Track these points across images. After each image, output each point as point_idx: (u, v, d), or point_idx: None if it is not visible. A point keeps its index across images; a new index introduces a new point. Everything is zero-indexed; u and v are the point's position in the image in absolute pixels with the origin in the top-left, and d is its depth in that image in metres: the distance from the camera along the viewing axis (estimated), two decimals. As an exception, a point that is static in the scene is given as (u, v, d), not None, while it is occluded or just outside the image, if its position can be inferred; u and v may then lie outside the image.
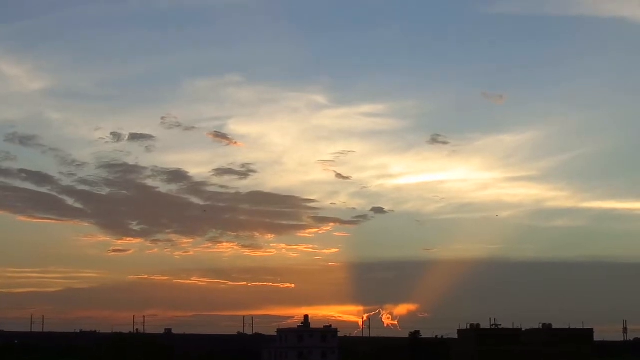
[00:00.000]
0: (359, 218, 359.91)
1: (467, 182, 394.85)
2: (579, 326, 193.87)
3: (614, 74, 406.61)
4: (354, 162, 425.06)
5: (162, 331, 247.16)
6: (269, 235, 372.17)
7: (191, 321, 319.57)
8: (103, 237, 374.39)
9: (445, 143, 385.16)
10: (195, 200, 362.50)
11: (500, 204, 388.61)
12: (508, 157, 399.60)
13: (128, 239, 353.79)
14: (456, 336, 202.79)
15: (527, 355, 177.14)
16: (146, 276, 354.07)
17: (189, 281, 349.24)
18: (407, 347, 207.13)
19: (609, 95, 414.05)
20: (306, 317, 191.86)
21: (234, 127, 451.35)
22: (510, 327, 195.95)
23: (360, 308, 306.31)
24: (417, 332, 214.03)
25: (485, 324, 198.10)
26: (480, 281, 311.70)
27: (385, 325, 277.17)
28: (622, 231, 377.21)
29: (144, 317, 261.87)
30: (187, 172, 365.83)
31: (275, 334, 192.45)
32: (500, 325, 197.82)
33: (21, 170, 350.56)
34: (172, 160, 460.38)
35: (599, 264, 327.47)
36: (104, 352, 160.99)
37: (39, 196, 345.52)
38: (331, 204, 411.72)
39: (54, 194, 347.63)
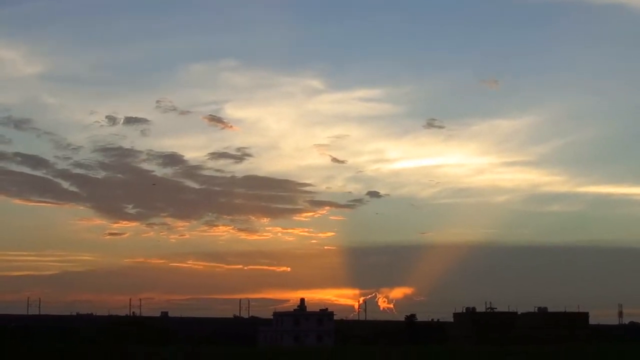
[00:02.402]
0: (355, 202, 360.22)
1: (463, 166, 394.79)
2: (575, 310, 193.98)
3: (612, 60, 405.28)
4: (350, 147, 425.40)
5: (158, 314, 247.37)
6: (265, 218, 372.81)
7: (187, 304, 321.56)
8: (99, 221, 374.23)
9: (441, 128, 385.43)
10: (190, 183, 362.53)
11: (496, 189, 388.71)
12: (504, 142, 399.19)
13: (124, 222, 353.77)
14: (452, 320, 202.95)
15: (523, 339, 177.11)
16: (142, 259, 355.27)
17: (184, 264, 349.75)
18: (403, 330, 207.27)
19: (605, 81, 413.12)
20: (302, 300, 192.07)
21: (230, 111, 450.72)
22: (506, 310, 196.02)
23: (357, 291, 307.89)
24: (413, 316, 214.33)
25: (480, 308, 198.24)
26: (476, 265, 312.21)
27: (382, 308, 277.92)
28: (618, 216, 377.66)
29: (140, 300, 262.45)
30: (183, 156, 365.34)
31: (271, 317, 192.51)
32: (496, 309, 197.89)
33: (16, 154, 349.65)
34: (167, 144, 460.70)
35: (594, 249, 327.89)
36: (105, 337, 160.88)
37: (35, 179, 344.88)
38: (327, 188, 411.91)
39: (50, 177, 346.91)
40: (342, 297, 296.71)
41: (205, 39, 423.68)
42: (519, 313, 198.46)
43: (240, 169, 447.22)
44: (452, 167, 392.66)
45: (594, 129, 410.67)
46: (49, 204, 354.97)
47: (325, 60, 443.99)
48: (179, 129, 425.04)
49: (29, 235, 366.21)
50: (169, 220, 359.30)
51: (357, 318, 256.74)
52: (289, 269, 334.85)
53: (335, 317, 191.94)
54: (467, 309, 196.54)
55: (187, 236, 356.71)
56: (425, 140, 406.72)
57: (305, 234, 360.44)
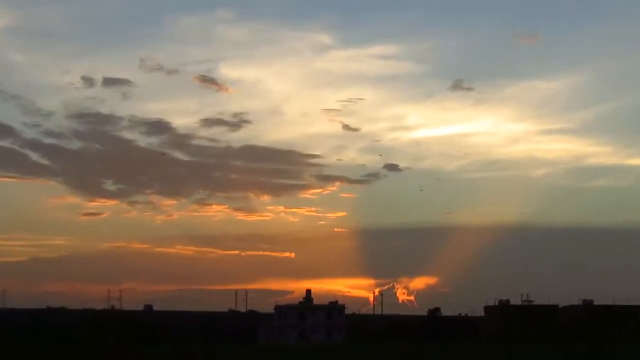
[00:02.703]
0: (369, 176, 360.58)
1: (494, 135, 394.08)
2: (625, 303, 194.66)
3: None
4: (364, 112, 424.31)
5: (141, 307, 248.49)
6: (265, 196, 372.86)
7: (175, 296, 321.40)
8: (73, 199, 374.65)
9: (469, 90, 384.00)
10: (179, 155, 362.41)
11: (533, 161, 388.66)
12: (542, 106, 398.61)
13: (102, 200, 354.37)
14: (482, 314, 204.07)
15: (565, 336, 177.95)
16: (123, 244, 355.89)
17: (172, 250, 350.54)
18: (425, 326, 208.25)
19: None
20: (308, 291, 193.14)
21: (225, 71, 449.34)
22: (545, 303, 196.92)
23: (371, 281, 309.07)
24: (436, 309, 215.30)
25: (515, 300, 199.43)
26: (510, 250, 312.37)
27: (400, 301, 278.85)
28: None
29: (121, 291, 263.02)
30: (170, 123, 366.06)
31: (273, 311, 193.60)
32: (534, 301, 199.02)
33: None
34: (152, 109, 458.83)
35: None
36: (80, 335, 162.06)
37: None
38: (337, 160, 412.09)
39: (16, 148, 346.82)
40: (355, 288, 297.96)
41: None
42: (561, 306, 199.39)
43: (237, 138, 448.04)
44: (482, 136, 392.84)
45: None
46: (15, 179, 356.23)
47: (336, 11, 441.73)
48: (166, 91, 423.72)
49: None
50: (154, 198, 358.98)
51: (371, 312, 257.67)
52: (293, 255, 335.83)
53: (346, 311, 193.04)
54: (500, 301, 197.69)
55: (175, 217, 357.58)
56: (451, 105, 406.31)
57: (312, 214, 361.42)
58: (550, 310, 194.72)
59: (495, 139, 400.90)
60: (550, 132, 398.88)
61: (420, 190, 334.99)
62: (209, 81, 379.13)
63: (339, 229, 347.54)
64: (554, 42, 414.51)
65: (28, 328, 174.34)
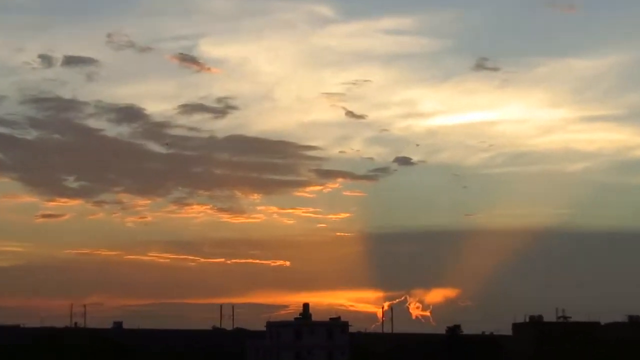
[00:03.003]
0: (377, 172, 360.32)
1: (525, 123, 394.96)
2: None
3: None
4: (372, 96, 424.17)
5: (109, 325, 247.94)
6: (255, 195, 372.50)
7: (149, 312, 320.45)
8: (29, 198, 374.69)
9: (495, 70, 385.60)
10: (154, 147, 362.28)
11: (570, 154, 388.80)
12: (582, 89, 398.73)
13: (63, 199, 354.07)
14: (510, 332, 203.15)
15: (607, 356, 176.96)
16: (88, 251, 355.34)
17: (145, 257, 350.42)
18: (443, 346, 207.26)
19: None
20: (306, 306, 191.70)
21: (207, 49, 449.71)
22: (585, 320, 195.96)
23: (380, 294, 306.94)
24: (456, 327, 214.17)
25: (549, 317, 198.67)
26: (543, 258, 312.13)
27: (414, 317, 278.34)
28: None
29: (85, 306, 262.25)
30: (144, 110, 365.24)
31: (264, 328, 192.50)
32: (570, 318, 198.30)
33: None
34: (122, 93, 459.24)
35: None
36: (38, 356, 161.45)
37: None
38: (340, 152, 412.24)
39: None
40: (361, 302, 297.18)
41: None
42: (603, 323, 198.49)
43: (221, 127, 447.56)
44: (510, 124, 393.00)
45: None
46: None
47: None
48: (138, 72, 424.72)
49: None
50: (124, 197, 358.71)
51: (380, 330, 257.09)
52: (287, 263, 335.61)
53: (351, 329, 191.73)
54: (532, 317, 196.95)
55: (150, 218, 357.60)
56: (473, 87, 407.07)
57: (310, 215, 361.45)
58: (590, 328, 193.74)
59: (526, 127, 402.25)
60: (590, 119, 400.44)
61: (464, 187, 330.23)
62: (188, 60, 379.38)
63: (342, 233, 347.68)
64: (596, 13, 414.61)
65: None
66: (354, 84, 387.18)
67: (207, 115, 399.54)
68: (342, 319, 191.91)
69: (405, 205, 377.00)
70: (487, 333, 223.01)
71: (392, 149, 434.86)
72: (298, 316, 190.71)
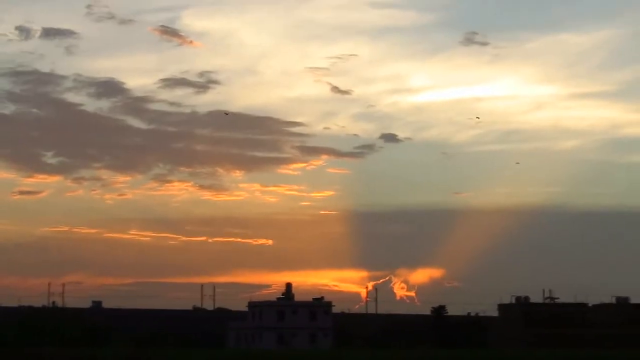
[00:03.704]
0: (363, 149, 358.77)
1: (515, 99, 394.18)
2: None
3: None
4: (358, 71, 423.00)
5: (88, 304, 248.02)
6: (238, 172, 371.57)
7: (129, 291, 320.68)
8: (5, 174, 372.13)
9: (484, 45, 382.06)
10: (134, 122, 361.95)
11: (561, 131, 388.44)
12: (573, 65, 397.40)
13: (41, 176, 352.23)
14: (496, 313, 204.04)
15: (596, 340, 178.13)
16: (66, 228, 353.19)
17: (126, 236, 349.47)
18: (429, 328, 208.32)
19: None
20: (288, 285, 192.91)
21: (190, 21, 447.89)
22: (572, 301, 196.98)
23: (364, 274, 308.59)
24: (442, 308, 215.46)
25: (536, 297, 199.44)
26: (530, 238, 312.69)
27: (398, 297, 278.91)
28: None
29: (64, 285, 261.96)
30: (124, 84, 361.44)
31: (246, 309, 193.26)
32: (558, 299, 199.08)
33: None
34: (102, 66, 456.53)
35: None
36: (13, 336, 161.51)
37: None
38: (324, 129, 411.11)
39: None
40: (344, 282, 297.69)
41: None
42: (591, 305, 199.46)
43: (203, 102, 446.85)
44: (500, 100, 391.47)
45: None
46: None
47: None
48: (119, 45, 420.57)
49: None
50: (104, 173, 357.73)
51: (364, 311, 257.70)
52: (270, 242, 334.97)
53: (334, 310, 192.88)
54: (518, 298, 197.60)
55: (130, 196, 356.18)
56: (462, 62, 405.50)
57: (294, 193, 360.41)
58: (578, 310, 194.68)
59: (516, 104, 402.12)
60: (582, 96, 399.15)
61: (517, 163, 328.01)
62: (170, 33, 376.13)
63: (326, 212, 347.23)
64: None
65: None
66: (339, 58, 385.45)
67: (189, 90, 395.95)
68: (326, 299, 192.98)
69: (391, 183, 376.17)
70: (472, 314, 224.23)
71: (378, 126, 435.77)
72: (281, 296, 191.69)
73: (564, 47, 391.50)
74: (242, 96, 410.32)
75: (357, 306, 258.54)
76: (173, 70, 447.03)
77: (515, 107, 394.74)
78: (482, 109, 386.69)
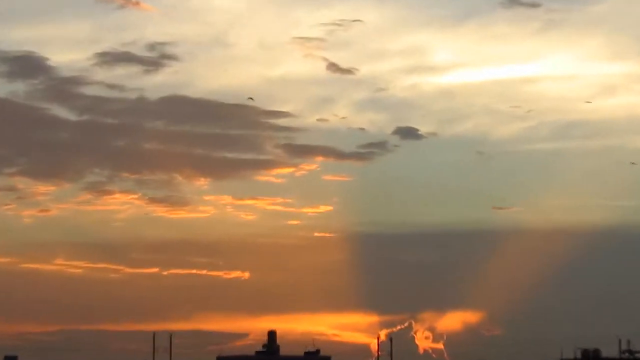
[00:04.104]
0: (371, 148, 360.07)
1: (576, 81, 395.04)
2: None
3: None
4: (363, 43, 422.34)
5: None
6: (202, 179, 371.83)
7: (54, 342, 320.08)
8: None
9: (535, 7, 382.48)
10: (61, 112, 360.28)
11: (637, 123, 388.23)
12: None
13: None
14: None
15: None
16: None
17: (50, 266, 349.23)
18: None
19: None
20: (272, 334, 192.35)
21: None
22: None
23: (374, 319, 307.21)
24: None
25: (610, 350, 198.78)
26: (601, 269, 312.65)
27: (422, 350, 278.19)
28: None
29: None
30: (47, 60, 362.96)
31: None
32: (639, 353, 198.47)
33: None
34: (18, 37, 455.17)
35: None
36: None
37: None
38: (319, 121, 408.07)
39: None
40: (348, 330, 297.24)
41: None
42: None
43: (155, 85, 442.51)
44: (555, 82, 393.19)
45: None
46: None
47: None
48: (40, 10, 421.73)
49: None
50: (19, 181, 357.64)
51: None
52: (246, 274, 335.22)
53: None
54: (585, 352, 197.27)
55: (55, 212, 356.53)
56: (504, 31, 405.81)
57: (278, 208, 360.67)
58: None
59: (577, 87, 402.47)
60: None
61: (632, 163, 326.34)
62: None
63: (322, 233, 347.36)
64: None
65: None
66: (338, 25, 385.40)
67: (134, 69, 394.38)
68: (323, 353, 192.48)
69: (409, 194, 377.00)
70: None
71: (391, 117, 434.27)
72: (261, 349, 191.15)
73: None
74: (207, 77, 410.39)
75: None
76: (113, 41, 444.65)
77: (577, 92, 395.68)
78: (532, 94, 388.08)
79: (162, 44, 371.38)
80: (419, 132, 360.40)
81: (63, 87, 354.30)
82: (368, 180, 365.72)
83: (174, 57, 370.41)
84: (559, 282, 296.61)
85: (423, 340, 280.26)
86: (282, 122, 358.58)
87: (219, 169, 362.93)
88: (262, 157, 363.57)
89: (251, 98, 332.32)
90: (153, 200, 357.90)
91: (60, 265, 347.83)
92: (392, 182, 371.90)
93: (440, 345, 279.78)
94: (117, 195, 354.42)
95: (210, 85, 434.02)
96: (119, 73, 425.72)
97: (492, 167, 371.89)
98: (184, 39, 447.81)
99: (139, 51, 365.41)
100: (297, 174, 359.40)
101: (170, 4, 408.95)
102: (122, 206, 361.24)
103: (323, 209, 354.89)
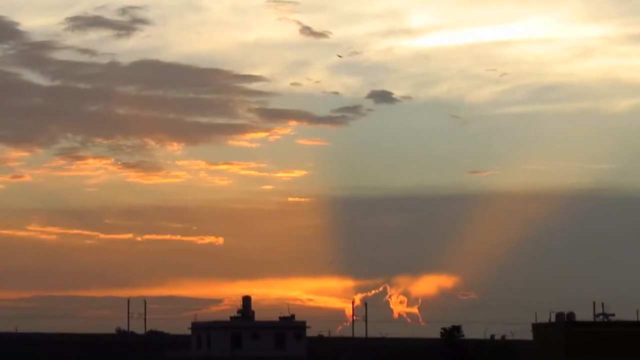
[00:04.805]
0: (346, 112, 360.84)
1: (552, 44, 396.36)
2: None
3: None
4: (337, 6, 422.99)
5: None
6: (175, 144, 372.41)
7: (27, 308, 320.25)
8: None
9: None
10: (32, 77, 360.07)
11: (615, 86, 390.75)
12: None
13: None
14: (530, 337, 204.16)
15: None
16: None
17: (22, 232, 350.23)
18: (437, 354, 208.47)
19: None
20: (246, 300, 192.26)
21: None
22: (633, 319, 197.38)
23: (349, 283, 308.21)
24: (455, 329, 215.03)
25: (584, 314, 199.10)
26: (575, 232, 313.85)
27: (396, 315, 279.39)
28: None
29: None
30: (17, 24, 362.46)
31: (188, 332, 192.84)
32: (614, 315, 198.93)
33: None
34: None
35: None
36: None
37: None
38: (293, 85, 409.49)
39: None
40: (323, 295, 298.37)
41: None
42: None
43: (127, 50, 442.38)
44: (531, 45, 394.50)
45: None
46: None
47: None
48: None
49: None
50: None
51: (350, 334, 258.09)
52: (220, 240, 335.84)
53: (310, 332, 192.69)
54: (559, 316, 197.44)
55: (27, 178, 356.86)
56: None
57: (252, 173, 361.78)
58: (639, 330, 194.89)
59: (554, 50, 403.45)
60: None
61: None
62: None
63: (297, 198, 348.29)
64: None
65: None
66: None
67: (106, 33, 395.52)
68: (297, 318, 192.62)
69: (385, 159, 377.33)
70: (497, 337, 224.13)
71: (366, 80, 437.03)
72: (236, 314, 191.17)
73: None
74: (179, 41, 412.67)
75: (340, 327, 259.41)
76: (84, 5, 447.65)
77: (553, 55, 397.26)
78: (508, 57, 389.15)
79: (134, 7, 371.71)
80: (394, 96, 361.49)
81: (34, 52, 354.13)
82: (342, 145, 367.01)
83: (146, 21, 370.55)
84: (534, 246, 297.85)
85: (398, 305, 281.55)
86: (255, 86, 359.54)
87: (192, 134, 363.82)
88: (235, 121, 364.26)
89: (340, 55, 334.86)
90: (126, 166, 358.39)
91: (33, 231, 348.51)
92: (367, 147, 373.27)
93: (415, 310, 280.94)
94: (90, 161, 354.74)
95: (183, 49, 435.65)
96: (91, 38, 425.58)
97: (466, 131, 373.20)
98: (156, 2, 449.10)
99: (110, 15, 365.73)
100: (271, 138, 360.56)
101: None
102: (96, 172, 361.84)
103: (297, 173, 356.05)
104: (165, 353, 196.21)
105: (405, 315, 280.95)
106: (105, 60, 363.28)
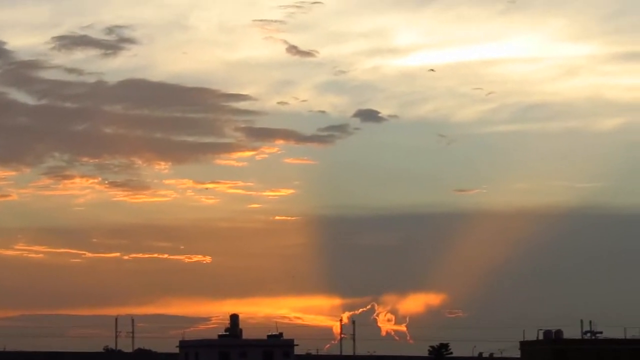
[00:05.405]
0: (332, 131, 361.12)
1: (538, 63, 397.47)
2: None
3: None
4: (324, 25, 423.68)
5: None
6: (162, 163, 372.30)
7: (17, 327, 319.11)
8: None
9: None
10: (19, 96, 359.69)
11: (601, 105, 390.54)
12: (617, 16, 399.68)
13: None
14: (518, 354, 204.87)
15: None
16: None
17: (9, 252, 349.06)
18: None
19: None
20: (234, 318, 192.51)
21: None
22: (619, 336, 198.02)
23: (337, 301, 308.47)
24: (443, 347, 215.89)
25: (572, 331, 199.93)
26: (563, 250, 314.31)
27: (384, 332, 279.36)
28: None
29: None
30: (4, 44, 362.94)
31: (176, 350, 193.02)
32: (601, 333, 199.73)
33: None
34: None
35: None
36: None
37: None
38: (279, 104, 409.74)
39: None
40: (310, 313, 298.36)
41: None
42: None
43: (114, 69, 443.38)
44: (518, 64, 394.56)
45: None
46: None
47: None
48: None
49: None
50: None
51: (338, 351, 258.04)
52: (208, 259, 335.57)
53: (297, 350, 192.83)
54: (547, 333, 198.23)
55: (14, 197, 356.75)
56: (468, 13, 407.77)
57: (239, 192, 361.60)
58: (627, 348, 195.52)
59: (540, 69, 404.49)
60: (629, 57, 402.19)
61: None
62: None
63: (284, 217, 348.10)
64: None
65: None
66: (298, 7, 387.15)
67: (92, 52, 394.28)
68: (285, 336, 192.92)
69: (371, 178, 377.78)
70: (485, 355, 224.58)
71: (352, 99, 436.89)
72: (223, 332, 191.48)
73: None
74: (166, 60, 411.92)
75: (328, 345, 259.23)
76: (71, 24, 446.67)
77: (539, 74, 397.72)
78: (494, 76, 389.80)
79: (121, 27, 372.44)
80: (380, 115, 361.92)
81: (21, 71, 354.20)
82: (329, 164, 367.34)
83: (133, 40, 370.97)
84: (521, 264, 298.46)
85: (385, 323, 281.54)
86: (242, 105, 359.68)
87: (179, 153, 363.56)
88: (222, 140, 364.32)
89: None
90: (113, 185, 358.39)
91: (20, 250, 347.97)
92: (353, 165, 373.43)
93: (402, 328, 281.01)
94: (77, 180, 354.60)
95: (170, 68, 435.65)
96: (78, 57, 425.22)
97: (453, 150, 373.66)
98: (143, 22, 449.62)
99: (97, 35, 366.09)
100: (258, 157, 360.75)
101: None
102: (82, 191, 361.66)
103: (284, 192, 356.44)
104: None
105: (393, 333, 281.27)
106: (92, 80, 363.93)
